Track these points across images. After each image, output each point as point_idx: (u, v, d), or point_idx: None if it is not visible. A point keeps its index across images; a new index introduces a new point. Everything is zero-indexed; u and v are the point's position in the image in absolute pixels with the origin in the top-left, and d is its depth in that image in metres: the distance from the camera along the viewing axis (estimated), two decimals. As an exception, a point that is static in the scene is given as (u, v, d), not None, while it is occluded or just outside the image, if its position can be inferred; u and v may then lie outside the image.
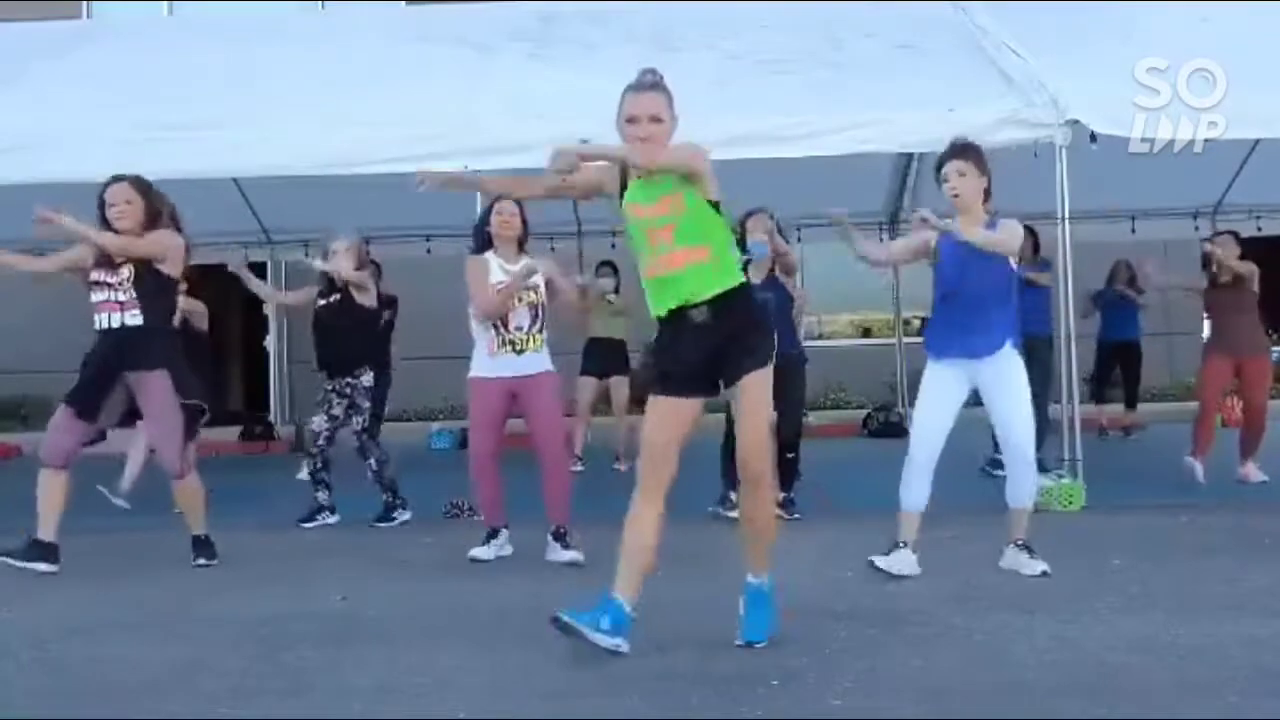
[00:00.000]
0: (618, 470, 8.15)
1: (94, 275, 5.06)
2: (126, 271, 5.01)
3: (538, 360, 5.21)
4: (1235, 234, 7.23)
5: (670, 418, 3.55)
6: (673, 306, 3.50)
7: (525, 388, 5.16)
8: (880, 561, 4.60)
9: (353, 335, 6.34)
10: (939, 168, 4.61)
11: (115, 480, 6.90)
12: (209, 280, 7.91)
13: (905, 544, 4.64)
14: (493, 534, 5.23)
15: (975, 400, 4.73)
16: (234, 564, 5.24)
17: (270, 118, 6.65)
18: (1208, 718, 2.86)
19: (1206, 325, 7.30)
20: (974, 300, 4.58)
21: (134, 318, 5.01)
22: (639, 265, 3.61)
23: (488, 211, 5.33)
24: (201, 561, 5.14)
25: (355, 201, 7.96)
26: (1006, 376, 4.55)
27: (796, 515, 5.99)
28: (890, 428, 10.69)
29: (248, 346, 15.24)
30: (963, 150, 4.58)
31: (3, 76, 7.20)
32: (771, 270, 6.20)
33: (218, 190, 8.24)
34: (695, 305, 3.48)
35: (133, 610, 4.36)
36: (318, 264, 6.47)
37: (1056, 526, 5.63)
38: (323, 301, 6.40)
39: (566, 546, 5.10)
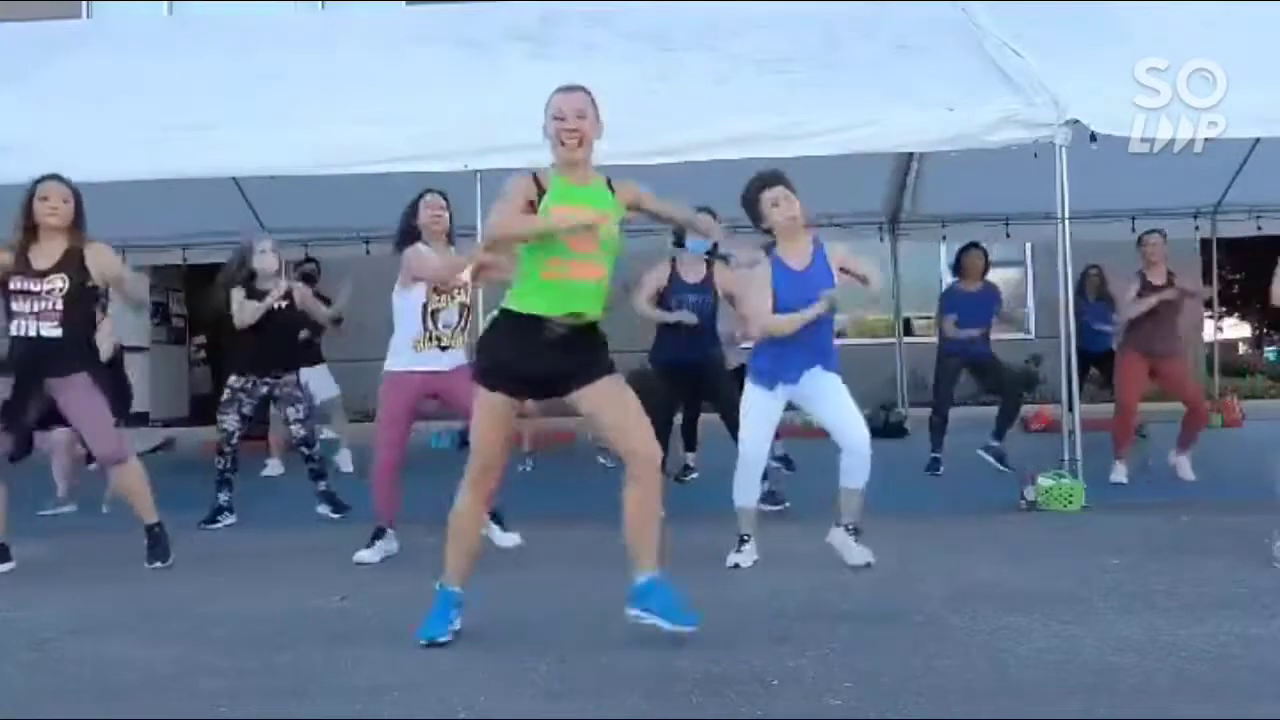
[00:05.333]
0: (604, 465, 8.15)
1: (15, 284, 4.94)
2: (60, 282, 4.93)
3: (458, 357, 5.28)
4: (1162, 232, 7.28)
5: (505, 416, 3.62)
6: (558, 313, 3.53)
7: (447, 383, 5.24)
8: (740, 559, 4.80)
9: (290, 337, 6.51)
10: (754, 198, 4.67)
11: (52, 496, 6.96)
12: (209, 279, 7.89)
13: (751, 536, 4.85)
14: (380, 533, 5.29)
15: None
16: (234, 564, 5.24)
17: (270, 118, 6.65)
18: (1208, 718, 2.86)
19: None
20: (818, 332, 4.73)
21: (52, 329, 4.93)
22: (536, 263, 3.56)
23: (415, 203, 5.32)
24: (158, 565, 5.09)
25: (355, 201, 7.95)
26: (826, 385, 4.73)
27: (786, 504, 6.05)
28: (890, 428, 10.67)
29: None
30: (782, 177, 4.69)
31: (3, 76, 7.19)
32: (708, 270, 6.24)
33: (218, 190, 8.25)
34: (565, 322, 3.54)
35: (133, 610, 4.36)
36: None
37: (1056, 526, 5.64)
38: (271, 304, 6.36)
39: (505, 530, 5.37)
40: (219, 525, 6.25)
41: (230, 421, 6.33)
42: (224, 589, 4.71)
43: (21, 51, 7.68)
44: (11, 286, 4.95)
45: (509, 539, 5.36)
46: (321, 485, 6.42)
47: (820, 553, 5.06)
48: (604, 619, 3.96)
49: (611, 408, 3.59)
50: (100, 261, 5.07)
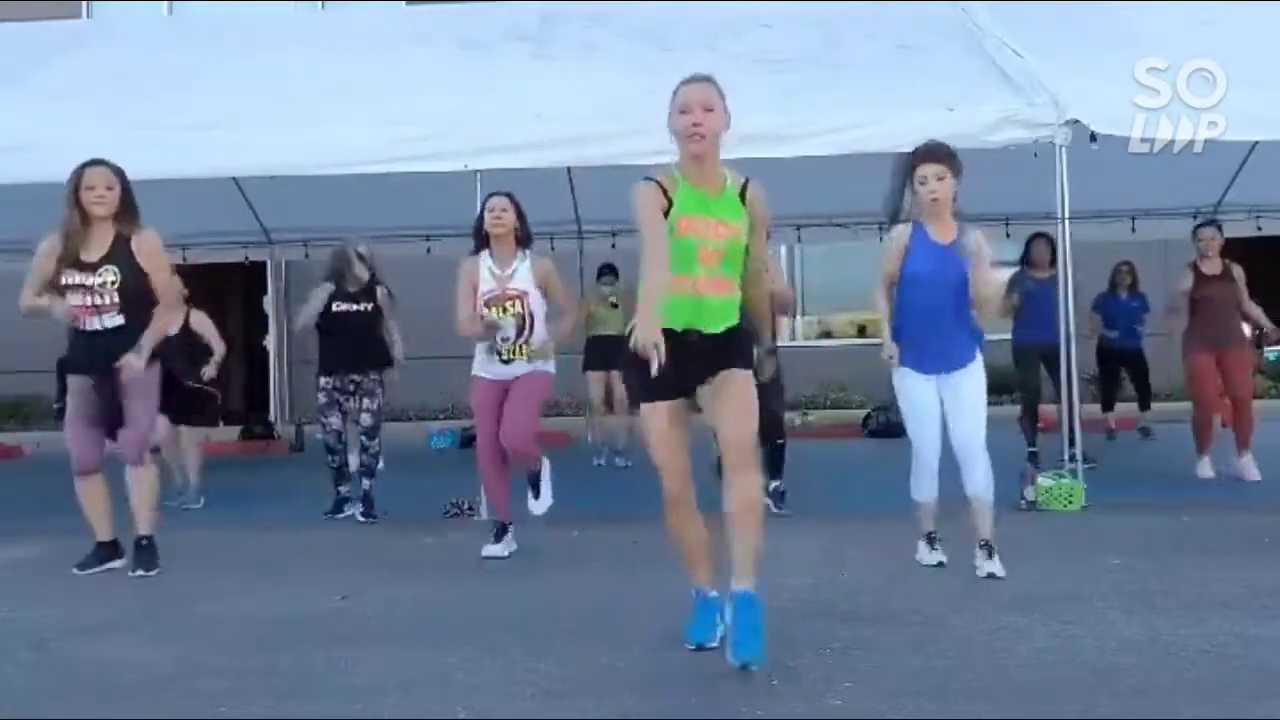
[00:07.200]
0: (621, 466, 8.18)
1: (67, 278, 4.77)
2: (111, 275, 4.77)
3: (526, 367, 5.24)
4: (1218, 225, 7.44)
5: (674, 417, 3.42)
6: (687, 327, 3.34)
7: (513, 384, 5.23)
8: (939, 556, 4.69)
9: (376, 338, 6.51)
10: (913, 167, 4.47)
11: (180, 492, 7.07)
12: (209, 279, 7.91)
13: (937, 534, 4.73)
14: (502, 530, 5.28)
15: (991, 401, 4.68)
16: (234, 564, 5.25)
17: (270, 118, 6.65)
18: (1208, 718, 2.86)
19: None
20: (953, 311, 4.52)
21: (114, 319, 4.81)
22: (663, 274, 3.26)
23: (482, 208, 5.33)
24: (140, 572, 4.95)
25: (355, 201, 7.96)
26: (965, 400, 4.52)
27: (787, 512, 5.99)
28: (890, 428, 10.68)
29: (248, 347, 15.24)
30: (945, 155, 4.46)
31: (3, 76, 7.19)
32: None
33: (218, 190, 8.25)
34: (703, 334, 3.37)
35: (133, 610, 4.36)
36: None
37: (1056, 526, 5.64)
38: (357, 307, 6.45)
39: (537, 496, 5.32)
40: (343, 515, 6.41)
41: (335, 421, 6.43)
42: (224, 589, 4.71)
43: (21, 51, 7.68)
44: (64, 281, 4.78)
45: (538, 506, 5.33)
46: (365, 484, 6.46)
47: (820, 553, 5.07)
48: (604, 619, 3.96)
49: (720, 396, 3.36)
50: (144, 249, 4.88)
